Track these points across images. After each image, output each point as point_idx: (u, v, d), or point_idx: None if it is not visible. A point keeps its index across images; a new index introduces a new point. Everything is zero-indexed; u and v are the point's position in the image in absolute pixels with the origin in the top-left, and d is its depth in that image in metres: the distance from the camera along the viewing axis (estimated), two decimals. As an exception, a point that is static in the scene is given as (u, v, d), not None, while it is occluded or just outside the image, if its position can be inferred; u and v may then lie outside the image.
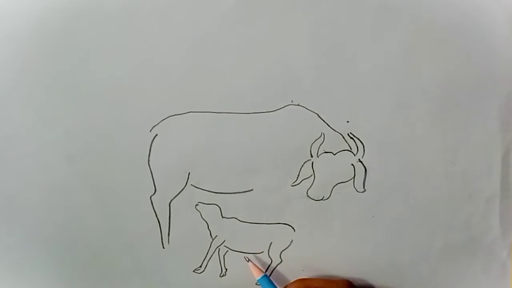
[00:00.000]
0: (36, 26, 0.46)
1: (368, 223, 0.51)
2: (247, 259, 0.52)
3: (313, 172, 0.50)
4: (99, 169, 0.49)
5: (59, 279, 0.51)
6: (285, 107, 0.49)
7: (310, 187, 0.51)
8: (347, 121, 0.50)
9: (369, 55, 0.48)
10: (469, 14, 0.48)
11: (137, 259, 0.51)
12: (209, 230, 0.51)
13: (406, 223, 0.51)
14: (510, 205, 0.52)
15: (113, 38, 0.47)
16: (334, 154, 0.50)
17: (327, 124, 0.50)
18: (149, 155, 0.49)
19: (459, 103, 0.49)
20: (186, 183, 0.50)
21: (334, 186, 0.51)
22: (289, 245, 0.52)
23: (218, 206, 0.51)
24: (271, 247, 0.52)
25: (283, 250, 0.52)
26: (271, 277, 0.52)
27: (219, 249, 0.52)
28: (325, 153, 0.50)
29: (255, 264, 0.52)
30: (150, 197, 0.50)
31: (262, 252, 0.52)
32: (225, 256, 0.52)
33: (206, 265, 0.52)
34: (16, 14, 0.46)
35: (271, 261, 0.52)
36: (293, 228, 0.51)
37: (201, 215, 0.51)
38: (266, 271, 0.52)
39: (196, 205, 0.50)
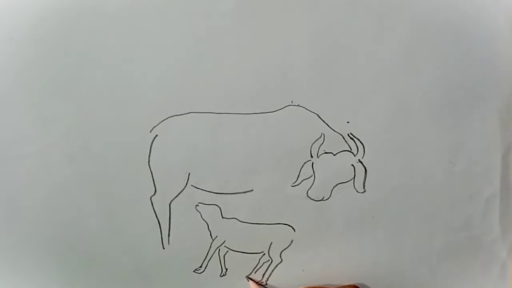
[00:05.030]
0: (36, 26, 0.46)
1: (368, 223, 0.51)
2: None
3: (313, 172, 0.50)
4: (99, 169, 0.49)
5: (59, 279, 0.51)
6: (285, 108, 0.49)
7: (310, 187, 0.51)
8: (347, 122, 0.50)
9: (369, 55, 0.48)
10: (469, 14, 0.48)
11: (137, 260, 0.51)
12: (209, 231, 0.51)
13: (406, 223, 0.52)
14: (510, 205, 0.52)
15: (113, 38, 0.47)
16: (334, 155, 0.50)
17: (327, 125, 0.49)
18: (149, 155, 0.49)
19: (459, 103, 0.49)
20: (186, 184, 0.50)
21: (334, 187, 0.51)
22: (289, 245, 0.52)
23: (218, 206, 0.51)
24: (271, 247, 0.52)
25: (283, 250, 0.52)
26: (271, 277, 0.52)
27: (219, 249, 0.52)
28: (325, 154, 0.50)
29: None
30: (150, 198, 0.50)
31: (263, 252, 0.52)
32: (225, 256, 0.52)
33: (207, 265, 0.52)
34: (16, 14, 0.46)
35: (271, 261, 0.52)
36: (293, 228, 0.51)
37: (201, 216, 0.51)
38: (265, 272, 0.52)
39: (196, 205, 0.50)
